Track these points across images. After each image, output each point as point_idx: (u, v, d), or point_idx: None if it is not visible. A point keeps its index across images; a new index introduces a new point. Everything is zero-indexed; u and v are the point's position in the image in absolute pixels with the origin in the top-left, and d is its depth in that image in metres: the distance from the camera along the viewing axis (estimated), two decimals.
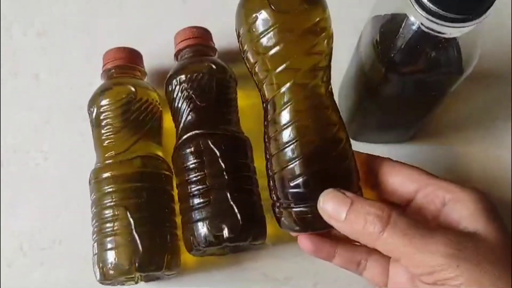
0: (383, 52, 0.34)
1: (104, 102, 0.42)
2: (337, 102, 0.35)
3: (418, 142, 0.48)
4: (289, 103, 0.32)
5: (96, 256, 0.40)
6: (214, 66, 0.44)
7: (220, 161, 0.40)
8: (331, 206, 0.31)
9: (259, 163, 0.43)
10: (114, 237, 0.39)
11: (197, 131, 0.41)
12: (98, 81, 0.46)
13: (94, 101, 0.43)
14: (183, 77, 0.43)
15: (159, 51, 0.50)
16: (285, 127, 0.32)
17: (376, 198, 0.36)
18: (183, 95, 0.43)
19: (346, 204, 0.30)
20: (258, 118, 0.48)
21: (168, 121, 0.46)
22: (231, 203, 0.39)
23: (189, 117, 0.42)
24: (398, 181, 0.34)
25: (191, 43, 0.46)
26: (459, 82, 0.36)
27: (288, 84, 0.32)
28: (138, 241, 0.39)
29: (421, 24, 0.31)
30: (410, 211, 0.34)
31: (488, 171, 0.47)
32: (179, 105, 0.43)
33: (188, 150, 0.41)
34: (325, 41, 0.32)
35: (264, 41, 0.32)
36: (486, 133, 0.48)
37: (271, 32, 0.31)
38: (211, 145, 0.40)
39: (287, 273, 0.44)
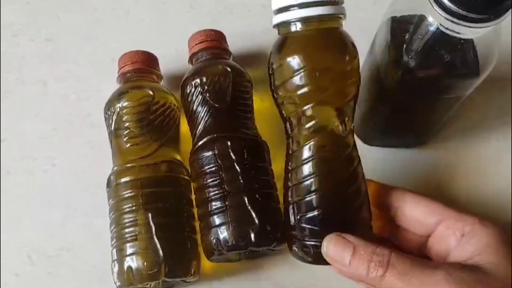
0: (399, 54, 0.34)
1: (123, 105, 0.42)
2: None
3: (431, 147, 0.47)
4: (311, 140, 0.34)
5: (115, 262, 0.39)
6: (229, 69, 0.43)
7: (236, 165, 0.39)
8: (334, 251, 0.33)
9: (276, 166, 0.43)
10: (135, 243, 0.38)
11: (214, 135, 0.41)
12: (105, 88, 0.45)
13: (112, 104, 0.43)
14: (199, 80, 0.42)
15: (168, 57, 0.50)
16: (305, 161, 0.34)
17: (394, 230, 0.38)
18: (200, 99, 0.42)
19: (349, 250, 0.32)
20: (274, 121, 0.47)
21: (182, 124, 0.45)
22: (249, 207, 0.38)
23: (206, 121, 0.42)
24: (419, 214, 0.36)
25: (206, 46, 0.45)
26: (476, 85, 0.35)
27: (312, 122, 0.34)
28: (159, 247, 0.38)
29: (440, 24, 0.30)
30: (431, 242, 0.36)
31: (502, 177, 0.46)
32: (196, 108, 0.42)
33: (205, 154, 0.40)
34: (354, 86, 0.34)
35: (296, 80, 0.33)
36: (501, 137, 0.47)
37: (302, 73, 0.33)
38: (228, 149, 0.40)
39: (300, 282, 0.44)
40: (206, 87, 0.42)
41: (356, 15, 0.53)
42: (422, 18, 0.32)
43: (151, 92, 0.43)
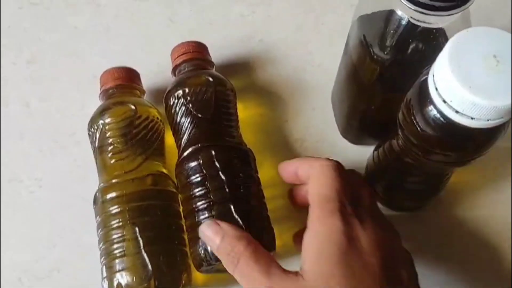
0: (375, 51, 0.34)
1: (106, 121, 0.42)
2: (331, 108, 0.34)
3: None
4: None
5: (105, 279, 0.39)
6: (212, 79, 0.43)
7: (221, 174, 0.39)
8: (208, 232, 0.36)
9: (262, 173, 0.43)
10: (124, 258, 0.38)
11: (198, 145, 0.41)
12: (89, 106, 0.45)
13: (95, 121, 0.43)
14: (181, 91, 0.43)
15: (150, 70, 0.50)
16: None
17: None
18: (183, 110, 0.42)
19: (219, 236, 0.36)
20: (259, 129, 0.48)
21: (167, 137, 0.45)
22: (236, 216, 0.38)
23: (190, 132, 0.42)
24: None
25: (188, 58, 0.46)
26: None
27: None
28: (148, 261, 0.38)
29: (410, 17, 0.30)
30: None
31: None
32: (179, 120, 0.43)
33: (190, 165, 0.40)
34: None
35: None
36: None
37: None
38: (212, 158, 0.40)
39: None
40: (189, 98, 0.42)
41: (333, 18, 0.54)
42: (391, 13, 0.32)
43: (133, 107, 0.43)
